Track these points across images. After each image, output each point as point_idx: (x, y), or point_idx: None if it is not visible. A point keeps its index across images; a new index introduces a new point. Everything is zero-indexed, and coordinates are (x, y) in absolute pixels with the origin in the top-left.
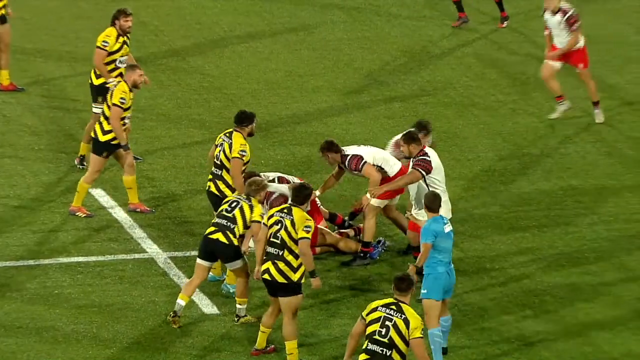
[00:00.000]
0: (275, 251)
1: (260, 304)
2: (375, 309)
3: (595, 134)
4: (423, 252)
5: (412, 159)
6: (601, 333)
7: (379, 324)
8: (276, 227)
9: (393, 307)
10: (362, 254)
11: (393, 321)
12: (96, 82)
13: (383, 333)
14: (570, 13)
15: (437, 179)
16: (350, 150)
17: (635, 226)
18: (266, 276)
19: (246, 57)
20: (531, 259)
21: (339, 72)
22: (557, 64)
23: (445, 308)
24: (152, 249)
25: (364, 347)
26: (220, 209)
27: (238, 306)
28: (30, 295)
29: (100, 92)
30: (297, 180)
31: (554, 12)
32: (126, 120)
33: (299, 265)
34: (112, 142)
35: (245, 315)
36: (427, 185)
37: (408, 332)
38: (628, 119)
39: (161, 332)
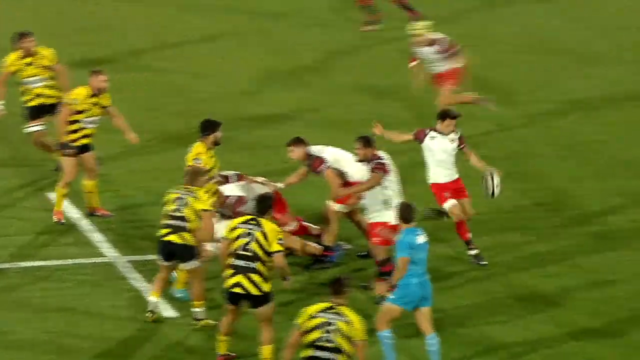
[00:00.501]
0: (247, 264)
1: (214, 306)
2: (313, 316)
3: (554, 138)
4: (400, 267)
5: (368, 163)
6: (563, 336)
7: (321, 330)
8: (245, 240)
9: (332, 311)
10: (323, 258)
11: (336, 325)
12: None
13: (327, 339)
14: (443, 40)
15: (392, 181)
16: (315, 149)
17: (594, 228)
18: (238, 290)
19: (209, 60)
20: (492, 263)
21: (300, 76)
22: (448, 87)
23: (427, 323)
24: (111, 253)
25: (307, 355)
26: (167, 208)
27: (196, 309)
28: None
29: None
30: (257, 179)
31: (429, 45)
32: (86, 125)
33: (269, 275)
34: (73, 143)
35: (205, 318)
36: (382, 187)
37: (352, 334)
38: (586, 122)
39: (120, 337)
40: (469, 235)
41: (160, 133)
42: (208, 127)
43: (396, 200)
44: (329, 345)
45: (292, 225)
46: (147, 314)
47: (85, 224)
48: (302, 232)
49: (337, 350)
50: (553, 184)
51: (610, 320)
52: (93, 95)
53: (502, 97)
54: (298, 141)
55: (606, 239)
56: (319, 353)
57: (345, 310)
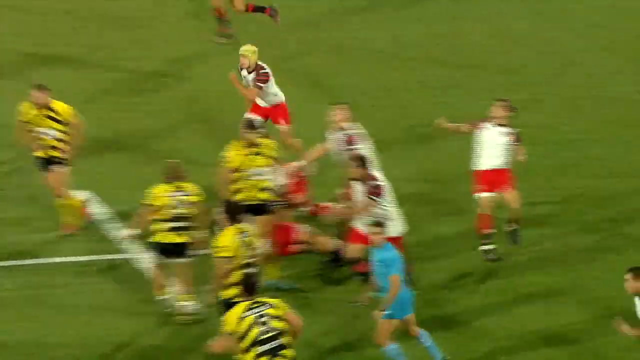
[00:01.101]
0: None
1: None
2: (241, 319)
3: (533, 137)
4: (397, 284)
5: (363, 184)
6: (574, 332)
7: (257, 326)
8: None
9: (255, 305)
10: (339, 257)
11: (266, 314)
12: None
13: (266, 329)
14: (262, 70)
15: (387, 199)
16: (350, 127)
17: (570, 227)
18: None
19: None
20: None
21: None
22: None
23: (414, 326)
24: (133, 250)
25: (254, 354)
26: (166, 211)
27: (185, 303)
28: None
29: None
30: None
31: (251, 70)
32: (46, 136)
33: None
34: (36, 155)
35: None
36: (378, 207)
37: (281, 313)
38: (566, 122)
39: (127, 331)
40: (486, 231)
41: (136, 130)
42: (245, 126)
43: (394, 213)
44: (269, 335)
45: (309, 207)
46: (173, 315)
47: (106, 220)
48: (327, 212)
49: (278, 335)
50: (530, 182)
51: (609, 316)
52: (39, 108)
53: (475, 95)
54: (347, 108)
55: (591, 233)
56: (263, 347)
57: (263, 299)
